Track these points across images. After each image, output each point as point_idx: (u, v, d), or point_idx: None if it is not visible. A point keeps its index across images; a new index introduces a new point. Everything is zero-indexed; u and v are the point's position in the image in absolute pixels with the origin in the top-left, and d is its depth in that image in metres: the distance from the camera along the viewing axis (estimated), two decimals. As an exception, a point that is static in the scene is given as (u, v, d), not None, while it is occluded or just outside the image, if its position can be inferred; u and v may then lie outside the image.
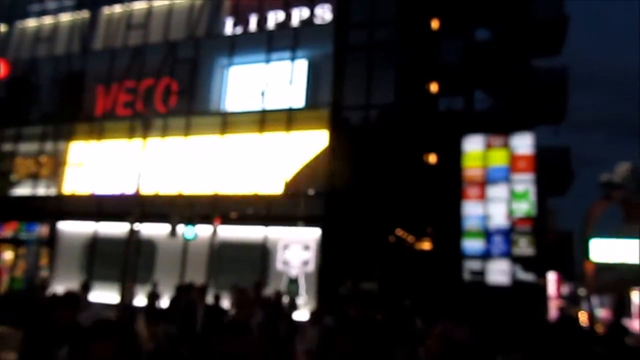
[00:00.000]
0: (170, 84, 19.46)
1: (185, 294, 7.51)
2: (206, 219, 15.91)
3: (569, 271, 33.64)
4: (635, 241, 25.67)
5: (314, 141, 16.92)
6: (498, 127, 21.20)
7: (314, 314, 7.51)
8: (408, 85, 18.69)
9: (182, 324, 6.76)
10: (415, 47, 20.04)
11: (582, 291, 41.95)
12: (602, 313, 35.13)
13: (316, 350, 5.13)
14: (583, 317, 30.01)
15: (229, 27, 19.39)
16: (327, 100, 17.27)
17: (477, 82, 22.48)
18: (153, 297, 11.06)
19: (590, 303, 29.89)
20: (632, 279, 32.43)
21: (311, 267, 16.08)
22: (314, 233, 16.27)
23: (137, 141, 18.39)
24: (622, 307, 33.35)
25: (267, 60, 18.37)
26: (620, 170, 25.93)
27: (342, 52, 17.57)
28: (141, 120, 15.15)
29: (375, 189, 16.15)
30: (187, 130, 18.75)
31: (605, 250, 24.81)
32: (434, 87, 21.12)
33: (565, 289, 42.64)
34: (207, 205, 17.04)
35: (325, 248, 16.06)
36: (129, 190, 17.05)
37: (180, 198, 17.58)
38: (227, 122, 18.36)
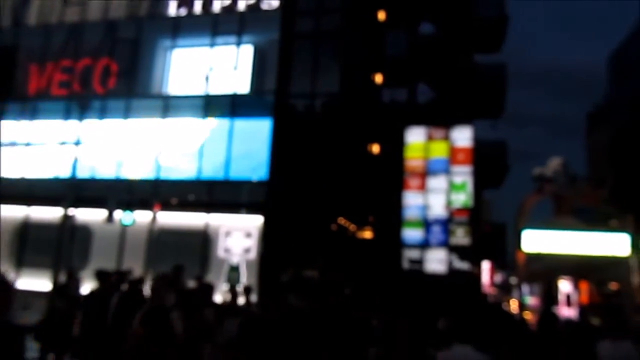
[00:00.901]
0: (109, 65, 18.77)
1: (106, 280, 7.26)
2: (145, 205, 15.51)
3: (502, 261, 35.05)
4: (564, 233, 26.99)
5: (258, 128, 16.77)
6: (439, 119, 21.72)
7: (230, 304, 7.46)
8: (353, 75, 18.80)
9: (97, 311, 6.65)
10: (361, 38, 20.16)
11: (513, 280, 43.90)
12: (532, 301, 36.85)
13: (235, 342, 5.09)
14: (514, 305, 31.36)
15: (172, 8, 18.85)
16: (272, 87, 17.14)
17: (421, 74, 22.89)
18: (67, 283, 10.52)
19: (521, 291, 31.29)
20: (560, 269, 34.15)
21: (253, 254, 15.99)
22: (256, 220, 16.18)
23: (73, 122, 17.68)
24: (550, 295, 35.07)
25: (212, 44, 18.02)
26: (552, 164, 27.22)
27: (288, 40, 17.45)
28: (78, 100, 14.55)
29: (318, 177, 16.21)
30: (126, 113, 18.16)
31: (536, 241, 26.00)
32: (378, 78, 21.34)
33: (498, 278, 44.45)
34: (146, 190, 16.61)
35: (267, 236, 16.01)
36: (63, 174, 16.38)
37: (118, 182, 17.05)
38: (169, 106, 17.91)
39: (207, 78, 17.70)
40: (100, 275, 7.32)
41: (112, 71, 18.69)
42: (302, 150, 16.60)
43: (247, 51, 17.76)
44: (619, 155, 36.18)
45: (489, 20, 22.20)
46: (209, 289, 6.82)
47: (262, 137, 16.61)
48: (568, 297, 33.93)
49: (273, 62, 17.35)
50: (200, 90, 17.77)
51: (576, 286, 34.64)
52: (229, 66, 17.73)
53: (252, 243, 16.09)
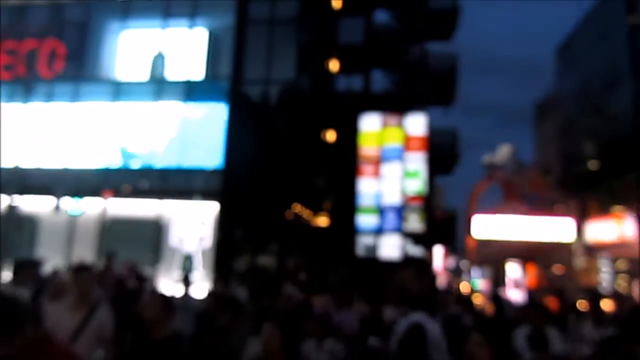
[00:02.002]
0: (56, 48, 18.07)
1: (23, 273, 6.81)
2: (95, 193, 15.11)
3: (454, 245, 35.93)
4: (512, 218, 27.88)
5: (213, 114, 16.54)
6: (394, 107, 21.98)
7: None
8: (309, 62, 18.77)
9: None
10: (317, 25, 20.11)
11: (464, 264, 45.13)
12: (482, 284, 37.97)
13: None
14: (464, 288, 32.26)
15: (122, -11, 18.29)
16: (227, 72, 16.92)
17: (376, 62, 23.04)
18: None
19: (470, 275, 32.21)
20: (508, 253, 35.30)
21: (207, 242, 15.84)
22: (211, 208, 16.02)
23: (17, 107, 16.99)
24: (498, 279, 36.22)
25: (164, 27, 17.61)
26: (501, 152, 27.97)
27: (243, 25, 17.24)
28: (23, 84, 13.98)
29: (273, 164, 16.17)
30: (74, 97, 17.56)
31: (486, 226, 26.77)
32: (333, 66, 21.37)
33: (451, 262, 45.58)
34: (96, 178, 16.18)
35: (222, 223, 15.88)
36: (7, 161, 15.75)
37: (65, 170, 16.53)
38: (120, 90, 17.43)
39: (159, 62, 17.31)
40: (18, 266, 6.82)
41: (59, 54, 18.02)
42: (258, 136, 16.51)
43: (201, 35, 17.45)
44: (565, 143, 37.53)
45: (441, 11, 22.52)
46: (142, 279, 6.65)
47: (216, 124, 16.40)
48: (516, 279, 35.16)
49: (228, 48, 17.12)
50: (152, 75, 17.37)
51: (524, 269, 35.92)
52: (182, 50, 17.40)
53: (207, 231, 15.94)
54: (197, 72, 17.19)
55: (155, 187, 16.28)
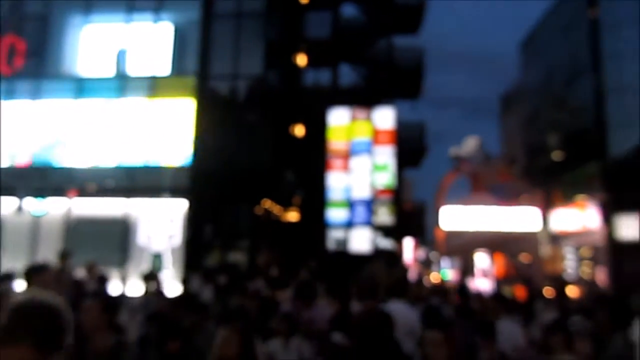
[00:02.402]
0: (15, 43, 17.55)
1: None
2: (59, 192, 14.77)
3: (424, 237, 36.36)
4: (480, 208, 28.35)
5: (180, 110, 16.33)
6: (362, 100, 22.05)
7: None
8: (276, 56, 18.67)
9: None
10: (284, 19, 20.01)
11: (434, 255, 45.74)
12: (452, 274, 38.56)
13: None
14: (434, 279, 32.73)
15: (83, -17, 17.85)
16: (194, 67, 16.72)
17: (343, 56, 23.06)
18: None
19: (440, 266, 32.68)
20: (477, 243, 35.92)
21: (177, 240, 15.67)
22: (180, 205, 15.85)
23: (-25, 106, 16.48)
24: (467, 269, 36.82)
25: (128, 21, 17.28)
26: (468, 144, 28.38)
27: (209, 19, 17.04)
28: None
29: (242, 159, 16.06)
30: (36, 95, 17.11)
31: (454, 217, 27.18)
32: (301, 60, 21.31)
33: (421, 254, 46.10)
34: (60, 177, 15.81)
35: (192, 221, 15.73)
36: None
37: (28, 169, 16.11)
38: (83, 87, 17.05)
39: (123, 57, 16.99)
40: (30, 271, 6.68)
41: (19, 50, 17.51)
42: (227, 132, 16.38)
43: (166, 30, 17.19)
44: (530, 135, 38.31)
45: (408, 5, 22.65)
46: (103, 280, 6.51)
47: (184, 120, 16.20)
48: (484, 269, 35.82)
49: (194, 43, 16.90)
50: (116, 70, 17.04)
51: (492, 259, 36.62)
52: (147, 45, 17.10)
53: (176, 228, 15.76)
54: (162, 67, 16.94)
55: (122, 186, 16.02)
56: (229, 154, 16.14)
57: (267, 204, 17.38)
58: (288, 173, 19.83)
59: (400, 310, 5.38)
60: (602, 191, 26.31)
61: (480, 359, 4.69)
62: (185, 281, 9.75)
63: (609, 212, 25.26)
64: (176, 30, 17.18)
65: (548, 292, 13.58)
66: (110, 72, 17.16)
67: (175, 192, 15.79)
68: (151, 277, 7.90)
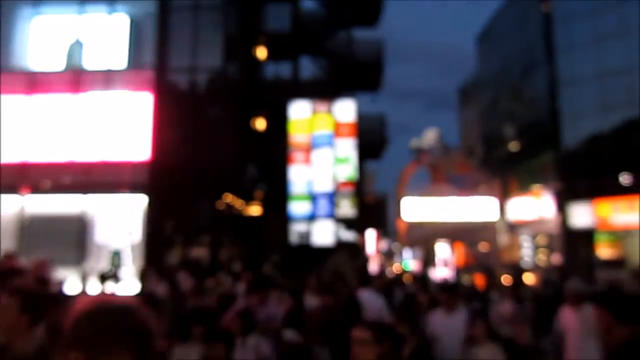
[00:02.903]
0: (-39, 35, 16.82)
1: None
2: (11, 190, 14.28)
3: (385, 229, 36.78)
4: (440, 199, 28.82)
5: (138, 104, 15.99)
6: (323, 93, 22.06)
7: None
8: (236, 49, 18.48)
9: None
10: (243, 11, 19.80)
11: (396, 246, 46.33)
12: (414, 264, 39.15)
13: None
14: (395, 269, 33.17)
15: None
16: (151, 60, 16.39)
17: (303, 49, 23.01)
18: None
19: (402, 256, 33.16)
20: (438, 233, 36.53)
21: (136, 237, 15.39)
22: (139, 201, 15.55)
23: None
24: (428, 259, 37.44)
25: (81, 12, 16.78)
26: (428, 136, 28.77)
27: (166, 11, 16.71)
28: None
29: (203, 154, 15.87)
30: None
31: (415, 209, 27.55)
32: (261, 53, 21.15)
33: (383, 245, 46.62)
34: (13, 174, 15.27)
35: (152, 216, 15.47)
36: None
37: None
38: (35, 81, 16.49)
39: (77, 50, 16.50)
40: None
41: (-35, 42, 16.79)
42: (187, 126, 16.13)
43: (122, 22, 16.76)
44: (487, 126, 39.13)
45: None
46: (45, 282, 6.27)
47: (142, 114, 15.88)
48: (445, 258, 36.49)
49: (151, 35, 16.56)
50: (69, 64, 16.53)
51: (452, 248, 37.35)
52: (102, 37, 16.66)
53: (136, 225, 15.47)
54: (118, 60, 16.53)
55: (78, 182, 15.59)
56: (189, 148, 15.91)
57: (229, 198, 17.25)
58: (250, 167, 19.71)
59: (367, 299, 6.14)
60: (556, 180, 27.14)
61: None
62: (142, 279, 9.54)
63: (563, 200, 26.09)
64: (132, 22, 16.78)
65: (506, 279, 13.94)
66: (63, 65, 16.63)
67: (134, 188, 15.47)
68: (108, 277, 7.75)
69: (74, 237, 15.20)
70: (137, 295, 6.87)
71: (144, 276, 8.23)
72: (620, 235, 25.24)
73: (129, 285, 11.97)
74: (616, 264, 23.49)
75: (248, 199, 19.33)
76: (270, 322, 5.39)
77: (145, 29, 16.68)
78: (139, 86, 16.11)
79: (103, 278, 7.66)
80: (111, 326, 1.47)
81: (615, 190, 24.53)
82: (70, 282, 9.82)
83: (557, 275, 16.18)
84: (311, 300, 6.42)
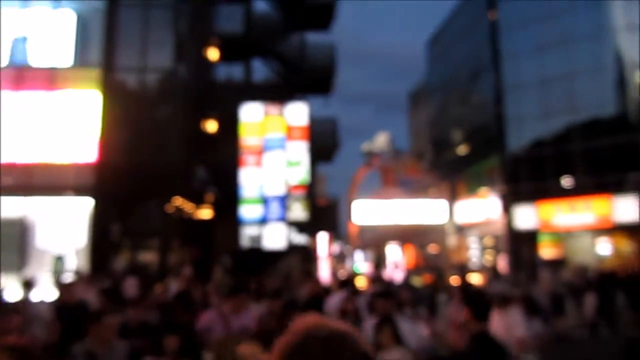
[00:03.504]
0: None
1: None
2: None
3: (337, 232, 36.95)
4: (390, 202, 29.18)
5: (84, 103, 15.48)
6: (275, 96, 21.98)
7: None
8: (187, 50, 18.18)
9: None
10: (194, 11, 19.51)
11: (348, 249, 46.61)
12: (365, 267, 39.43)
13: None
14: (343, 272, 33.41)
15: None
16: (98, 58, 15.90)
17: (256, 51, 22.88)
18: None
19: (353, 259, 33.40)
20: (389, 235, 36.98)
21: (82, 241, 14.88)
22: (85, 204, 15.04)
23: None
24: (380, 261, 37.85)
25: (24, 6, 16.11)
26: (379, 140, 29.10)
27: (114, 7, 16.27)
28: None
29: (152, 155, 15.52)
30: None
31: (366, 211, 27.81)
32: (213, 54, 20.90)
33: (335, 248, 46.79)
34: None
35: (98, 220, 14.99)
36: None
37: None
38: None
39: (21, 46, 15.83)
40: None
41: None
42: (135, 127, 15.73)
43: (68, 18, 16.17)
44: (436, 130, 39.97)
45: (319, 3, 22.81)
46: None
47: (88, 114, 15.38)
48: (396, 260, 36.95)
49: (99, 32, 16.08)
50: (12, 60, 15.84)
51: (403, 250, 37.89)
52: (47, 34, 16.03)
53: (81, 229, 14.95)
54: (64, 57, 15.95)
55: (19, 184, 14.93)
56: (138, 150, 15.51)
57: (179, 201, 16.92)
58: (200, 170, 19.42)
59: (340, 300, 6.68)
60: (501, 183, 27.98)
61: None
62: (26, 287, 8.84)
63: (508, 203, 26.92)
64: (78, 18, 16.23)
65: (455, 280, 14.23)
66: (6, 62, 15.92)
67: (79, 190, 14.96)
68: (31, 284, 7.39)
69: (14, 242, 14.54)
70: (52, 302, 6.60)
71: (28, 285, 7.46)
72: (561, 236, 26.26)
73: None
74: (558, 263, 24.39)
75: (198, 202, 19.03)
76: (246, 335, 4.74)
77: (92, 26, 16.17)
78: (85, 85, 15.60)
79: (27, 285, 7.30)
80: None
81: (557, 193, 25.52)
82: (10, 289, 9.39)
83: (492, 276, 16.66)
84: (256, 308, 6.01)
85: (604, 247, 24.64)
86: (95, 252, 14.78)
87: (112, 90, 15.80)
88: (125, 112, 15.69)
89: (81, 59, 16.04)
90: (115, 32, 16.13)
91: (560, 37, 26.26)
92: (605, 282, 13.73)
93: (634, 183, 23.41)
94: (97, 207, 15.03)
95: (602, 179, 24.41)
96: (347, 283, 8.73)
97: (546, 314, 9.94)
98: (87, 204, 15.05)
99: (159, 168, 15.35)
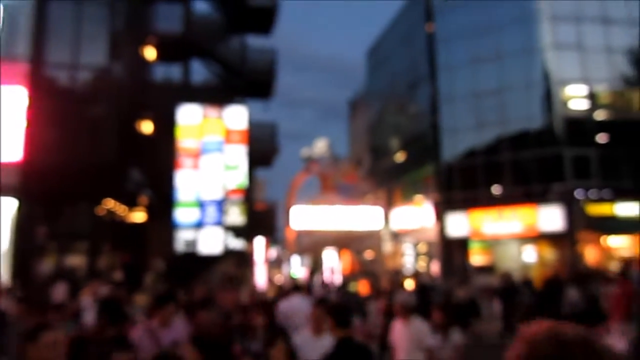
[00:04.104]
0: None
1: None
2: None
3: (275, 237, 36.85)
4: (328, 208, 29.38)
5: (9, 99, 14.70)
6: (214, 98, 21.68)
7: None
8: (122, 48, 17.66)
9: None
10: (131, 9, 18.99)
11: (285, 254, 46.56)
12: (302, 272, 39.50)
13: None
14: (279, 278, 33.32)
15: None
16: (26, 52, 15.17)
17: (195, 52, 22.50)
18: None
19: (290, 264, 33.39)
20: (326, 241, 37.20)
21: (4, 245, 14.10)
22: (8, 206, 14.27)
23: None
24: (316, 266, 37.98)
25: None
26: (318, 146, 29.27)
27: (45, 2, 15.58)
28: None
29: (82, 155, 14.94)
30: None
31: (304, 217, 27.88)
32: (150, 53, 20.40)
33: (272, 253, 46.61)
34: None
35: (22, 222, 14.26)
36: None
37: None
38: None
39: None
40: None
41: None
42: (65, 126, 15.10)
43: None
44: (374, 138, 40.66)
45: (260, 7, 22.74)
46: None
47: (14, 111, 14.62)
48: (333, 266, 37.20)
49: (27, 26, 15.35)
50: None
51: (339, 255, 38.21)
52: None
53: (3, 232, 14.17)
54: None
55: None
56: (68, 150, 14.89)
57: (110, 203, 16.37)
58: (134, 171, 18.86)
59: (297, 303, 7.14)
60: (435, 191, 28.76)
61: None
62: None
63: (442, 210, 27.71)
64: (5, 10, 15.43)
65: (388, 286, 14.48)
66: None
67: (2, 191, 14.17)
68: None
69: None
70: None
71: None
72: (490, 243, 27.27)
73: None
74: (487, 269, 25.30)
75: (131, 204, 18.48)
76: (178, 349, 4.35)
77: (20, 18, 15.42)
78: (11, 80, 14.83)
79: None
80: None
81: (487, 202, 26.51)
82: None
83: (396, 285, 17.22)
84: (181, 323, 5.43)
85: (530, 254, 25.79)
86: (18, 256, 14.04)
87: (41, 87, 15.11)
88: (55, 109, 15.03)
89: (7, 52, 15.24)
90: (46, 27, 15.45)
91: (493, 52, 27.38)
92: (510, 288, 14.61)
93: (557, 194, 24.68)
94: (21, 208, 14.30)
95: (528, 189, 25.58)
96: (299, 287, 8.79)
97: (465, 320, 10.45)
98: (11, 205, 14.29)
99: (89, 169, 14.78)
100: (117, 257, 16.85)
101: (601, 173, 24.66)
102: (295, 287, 8.83)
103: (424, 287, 15.63)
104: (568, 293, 12.64)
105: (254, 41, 24.55)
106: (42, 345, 3.22)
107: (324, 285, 12.36)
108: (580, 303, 11.82)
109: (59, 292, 10.08)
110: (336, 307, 4.70)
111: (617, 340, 5.16)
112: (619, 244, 24.49)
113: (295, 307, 7.04)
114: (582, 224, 23.63)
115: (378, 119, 40.13)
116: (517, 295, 14.30)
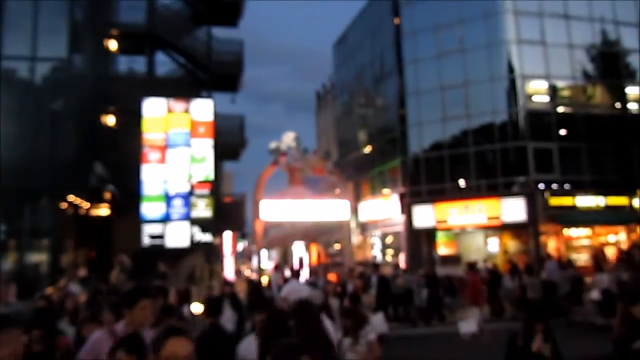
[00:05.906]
0: None
1: None
2: None
3: (243, 230, 36.70)
4: (296, 201, 29.37)
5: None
6: (180, 91, 21.38)
7: None
8: (84, 39, 17.26)
9: None
10: (93, 1, 18.57)
11: (253, 248, 46.42)
12: (270, 265, 39.45)
13: None
14: (247, 270, 33.24)
15: None
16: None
17: (159, 44, 22.13)
18: None
19: (259, 257, 33.32)
20: (294, 234, 37.22)
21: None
22: (-36, 202, 13.86)
23: None
24: (285, 259, 38.03)
25: None
26: (286, 138, 29.18)
27: (1, -8, 15.10)
28: None
29: (43, 150, 14.58)
30: None
31: (272, 210, 27.80)
32: (113, 45, 19.99)
33: (240, 247, 46.44)
34: None
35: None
36: None
37: None
38: None
39: None
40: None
41: None
42: (23, 119, 14.70)
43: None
44: (342, 131, 40.76)
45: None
46: None
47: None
48: (301, 259, 37.26)
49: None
50: None
51: (308, 249, 38.30)
52: None
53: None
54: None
55: None
56: (27, 144, 14.51)
57: (73, 198, 16.04)
58: (97, 165, 18.51)
59: (294, 287, 8.00)
60: (402, 184, 29.07)
61: None
62: None
63: (408, 203, 28.04)
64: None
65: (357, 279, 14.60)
66: None
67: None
68: None
69: None
70: None
71: None
72: (456, 234, 27.75)
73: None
74: (453, 259, 25.76)
75: (95, 199, 18.14)
76: None
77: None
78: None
79: None
80: None
81: (453, 194, 26.93)
82: None
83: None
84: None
85: (493, 244, 26.35)
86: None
87: (-1, 79, 14.67)
88: (13, 102, 14.61)
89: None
90: (3, 18, 14.97)
91: (458, 46, 27.70)
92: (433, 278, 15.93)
93: (520, 186, 25.22)
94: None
95: (492, 182, 26.08)
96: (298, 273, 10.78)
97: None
98: (-32, 201, 13.87)
99: (50, 163, 14.44)
100: (82, 254, 16.54)
101: (562, 166, 25.32)
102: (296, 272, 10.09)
103: (384, 279, 15.83)
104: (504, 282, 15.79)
105: (221, 33, 24.29)
106: None
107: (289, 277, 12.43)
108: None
109: (9, 293, 9.78)
110: (208, 299, 6.20)
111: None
112: (579, 234, 25.26)
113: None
114: (544, 216, 24.25)
115: (345, 111, 40.22)
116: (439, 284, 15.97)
